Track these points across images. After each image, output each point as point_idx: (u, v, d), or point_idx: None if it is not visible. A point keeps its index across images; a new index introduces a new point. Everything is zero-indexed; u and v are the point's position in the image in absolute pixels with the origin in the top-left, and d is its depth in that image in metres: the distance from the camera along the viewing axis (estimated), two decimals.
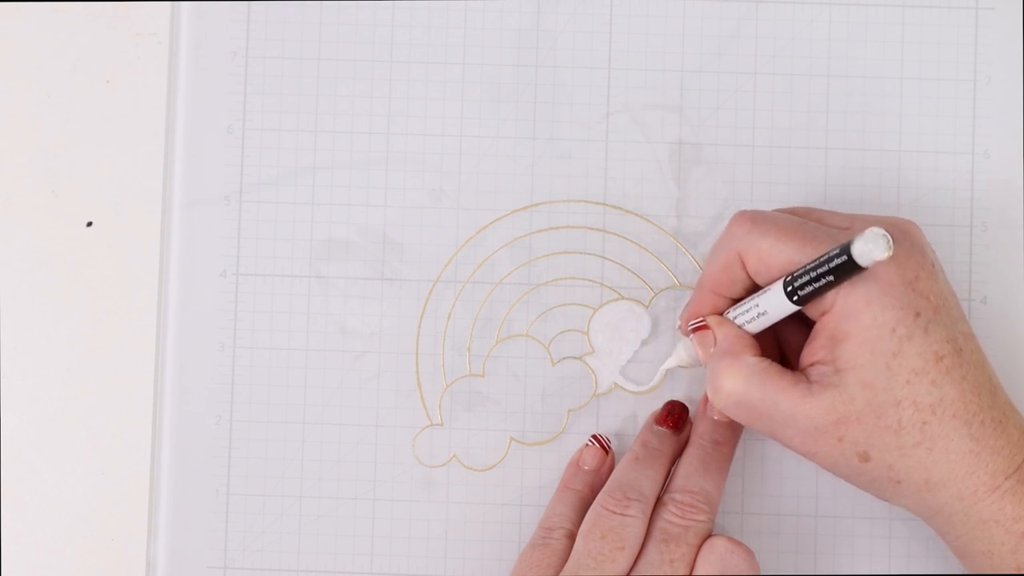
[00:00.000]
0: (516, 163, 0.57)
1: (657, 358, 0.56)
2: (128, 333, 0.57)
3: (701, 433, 0.54)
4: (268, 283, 0.57)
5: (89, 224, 0.58)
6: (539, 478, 0.56)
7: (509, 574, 0.52)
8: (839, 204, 0.57)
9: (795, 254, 0.48)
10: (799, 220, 0.50)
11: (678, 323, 0.54)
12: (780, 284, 0.49)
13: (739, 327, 0.51)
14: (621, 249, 0.57)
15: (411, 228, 0.57)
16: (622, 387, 0.56)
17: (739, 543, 0.50)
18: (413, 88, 0.58)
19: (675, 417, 0.55)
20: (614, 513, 0.51)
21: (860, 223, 0.50)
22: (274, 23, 0.58)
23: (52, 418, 0.57)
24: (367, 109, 0.57)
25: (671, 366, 0.55)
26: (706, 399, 0.54)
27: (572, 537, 0.52)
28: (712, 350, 0.51)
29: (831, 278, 0.46)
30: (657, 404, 0.56)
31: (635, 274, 0.57)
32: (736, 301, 0.52)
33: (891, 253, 0.44)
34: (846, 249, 0.45)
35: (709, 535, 0.51)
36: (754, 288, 0.51)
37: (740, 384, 0.49)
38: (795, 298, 0.48)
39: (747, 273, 0.50)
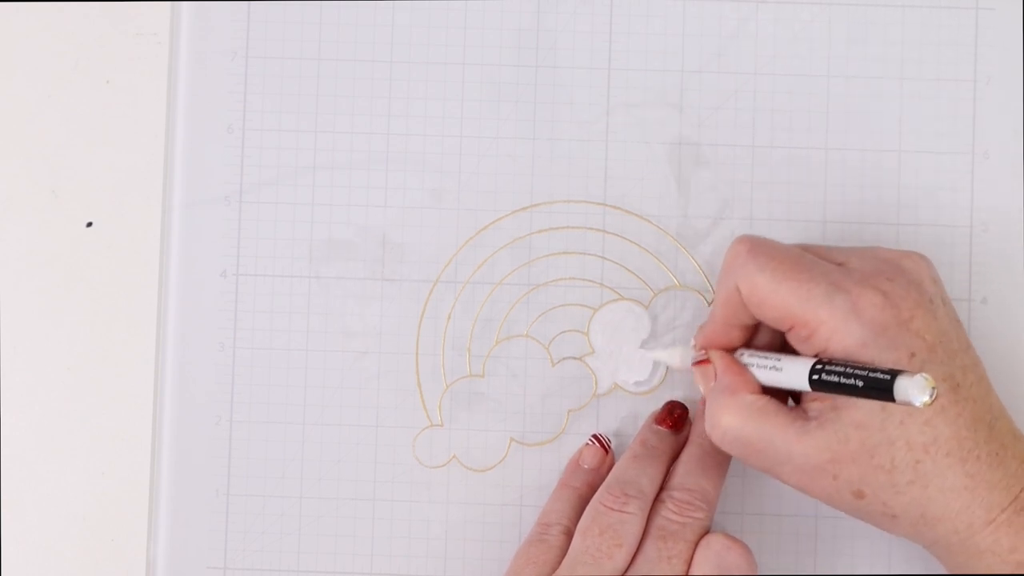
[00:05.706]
0: (516, 163, 0.57)
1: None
2: (128, 333, 0.57)
3: (700, 432, 0.53)
4: (268, 283, 0.57)
5: (89, 224, 0.58)
6: (539, 478, 0.56)
7: (506, 570, 0.52)
8: (838, 204, 0.57)
9: (790, 296, 0.48)
10: (797, 253, 0.49)
11: (693, 341, 0.54)
12: (809, 362, 0.48)
13: (742, 365, 0.51)
14: (621, 249, 0.57)
15: (411, 228, 0.57)
16: (622, 387, 0.56)
17: (736, 540, 0.50)
18: (413, 88, 0.58)
19: (675, 417, 0.55)
20: (612, 510, 0.51)
21: (857, 257, 0.49)
22: (274, 23, 0.58)
23: (52, 418, 0.57)
24: (367, 109, 0.57)
25: (660, 359, 0.55)
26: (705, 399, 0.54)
27: (569, 534, 0.52)
28: (712, 384, 0.51)
29: (859, 384, 0.45)
30: (657, 404, 0.56)
31: (635, 274, 0.57)
32: (751, 328, 0.51)
33: (929, 402, 0.43)
34: (892, 379, 0.44)
35: (707, 532, 0.51)
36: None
37: (737, 421, 0.49)
38: (815, 378, 0.47)
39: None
